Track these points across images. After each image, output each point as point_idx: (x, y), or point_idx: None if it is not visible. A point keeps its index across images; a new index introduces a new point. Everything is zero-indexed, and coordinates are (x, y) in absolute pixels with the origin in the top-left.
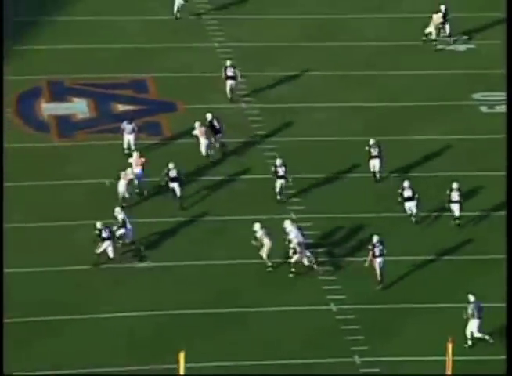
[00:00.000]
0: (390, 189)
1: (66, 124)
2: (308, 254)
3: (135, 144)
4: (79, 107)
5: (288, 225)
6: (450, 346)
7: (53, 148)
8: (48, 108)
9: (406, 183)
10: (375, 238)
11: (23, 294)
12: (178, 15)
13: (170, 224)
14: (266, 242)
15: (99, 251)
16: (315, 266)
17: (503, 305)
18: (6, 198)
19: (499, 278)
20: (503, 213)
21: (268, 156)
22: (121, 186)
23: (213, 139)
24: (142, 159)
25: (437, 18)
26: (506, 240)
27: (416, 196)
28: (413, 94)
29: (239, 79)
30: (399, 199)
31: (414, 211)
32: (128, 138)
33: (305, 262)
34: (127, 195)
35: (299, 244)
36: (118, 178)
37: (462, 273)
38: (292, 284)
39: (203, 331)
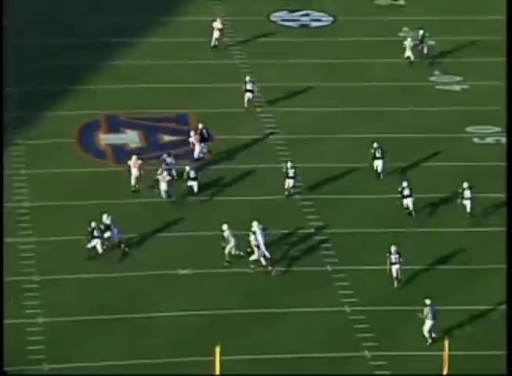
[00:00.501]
0: (397, 210)
1: (120, 152)
2: (267, 254)
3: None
4: (131, 138)
5: (255, 225)
6: (447, 343)
7: (110, 172)
8: (106, 138)
9: (405, 183)
10: (393, 248)
11: (86, 297)
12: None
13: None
14: (231, 240)
15: (89, 246)
16: (269, 268)
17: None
18: (71, 215)
19: (493, 284)
20: (502, 229)
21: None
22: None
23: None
24: (139, 161)
25: (410, 41)
26: (506, 242)
27: (412, 194)
28: (417, 127)
29: (255, 93)
30: (399, 195)
31: (411, 206)
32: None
33: (263, 261)
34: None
35: (259, 244)
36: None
37: (458, 280)
38: (312, 289)
39: (239, 329)
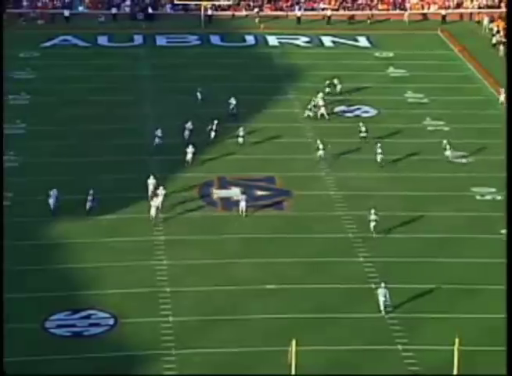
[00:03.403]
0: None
1: (227, 202)
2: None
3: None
4: (235, 193)
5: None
6: (457, 341)
7: (219, 217)
8: (217, 192)
9: None
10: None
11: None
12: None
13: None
14: None
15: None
16: None
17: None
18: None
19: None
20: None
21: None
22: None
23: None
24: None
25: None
26: (506, 243)
27: None
28: (432, 186)
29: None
30: None
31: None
32: (242, 204)
33: None
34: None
35: None
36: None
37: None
38: (362, 299)
39: (311, 329)
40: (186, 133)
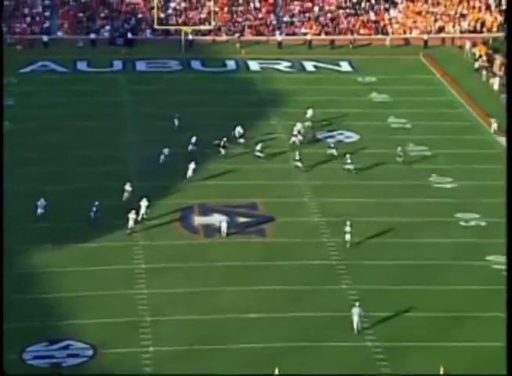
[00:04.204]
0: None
1: (208, 230)
2: None
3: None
4: (216, 220)
5: None
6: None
7: (200, 244)
8: (198, 219)
9: None
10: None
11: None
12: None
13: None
14: None
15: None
16: None
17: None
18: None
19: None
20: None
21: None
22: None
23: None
24: None
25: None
26: (506, 245)
27: None
28: (416, 211)
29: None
30: None
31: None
32: (223, 226)
33: None
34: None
35: None
36: None
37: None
38: (346, 328)
39: (294, 358)
40: (162, 158)
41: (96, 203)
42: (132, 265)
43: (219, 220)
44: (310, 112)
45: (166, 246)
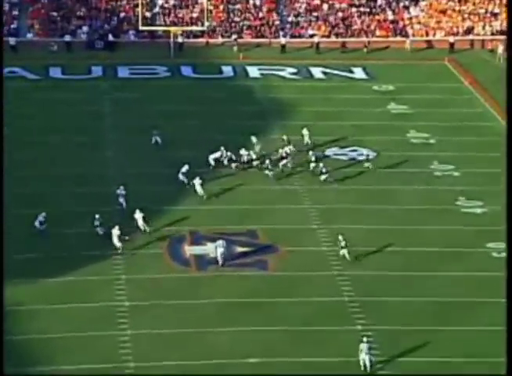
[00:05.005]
0: None
1: (201, 261)
2: None
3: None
4: (211, 249)
5: None
6: None
7: (192, 278)
8: (190, 249)
9: None
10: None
11: None
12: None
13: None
14: None
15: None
16: None
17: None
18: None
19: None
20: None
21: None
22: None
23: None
24: None
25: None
26: (506, 243)
27: None
28: (442, 241)
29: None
30: None
31: None
32: (219, 251)
33: None
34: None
35: None
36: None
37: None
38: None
39: None
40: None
41: (97, 216)
42: (114, 302)
43: (214, 246)
44: (305, 133)
45: (152, 280)
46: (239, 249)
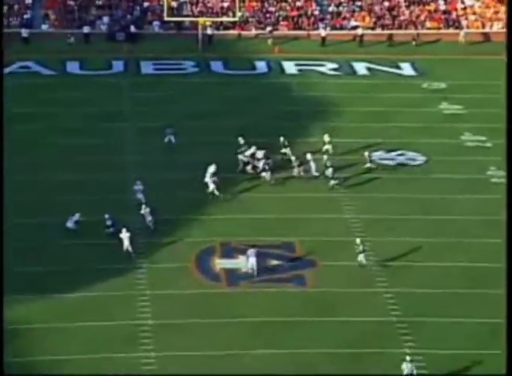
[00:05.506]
0: None
1: (232, 276)
2: None
3: None
4: (242, 263)
5: None
6: None
7: (222, 294)
8: (220, 263)
9: None
10: None
11: None
12: None
13: None
14: None
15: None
16: None
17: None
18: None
19: None
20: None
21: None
22: None
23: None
24: None
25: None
26: (506, 241)
27: None
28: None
29: None
30: None
31: None
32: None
33: None
34: None
35: None
36: None
37: None
38: None
39: None
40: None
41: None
42: (136, 321)
43: (245, 257)
44: (327, 140)
45: (178, 297)
46: (274, 263)
